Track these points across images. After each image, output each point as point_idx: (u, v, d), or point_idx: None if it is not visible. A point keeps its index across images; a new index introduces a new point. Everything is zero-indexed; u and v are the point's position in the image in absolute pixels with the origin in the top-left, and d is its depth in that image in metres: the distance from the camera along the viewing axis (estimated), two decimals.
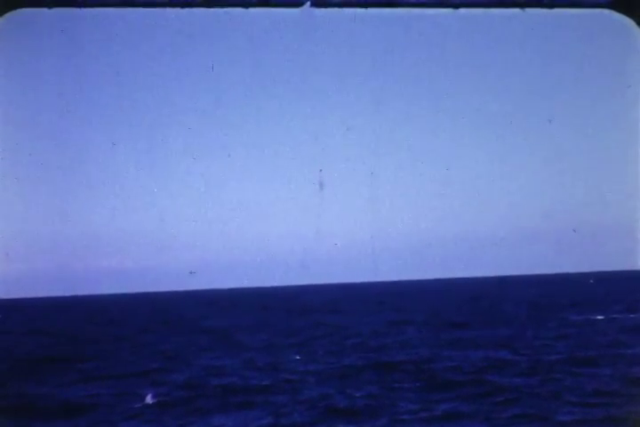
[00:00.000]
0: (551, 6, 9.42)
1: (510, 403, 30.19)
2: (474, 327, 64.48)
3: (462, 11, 9.43)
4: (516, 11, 9.49)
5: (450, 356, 44.48)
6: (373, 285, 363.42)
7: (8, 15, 8.78)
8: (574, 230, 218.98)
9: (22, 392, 36.93)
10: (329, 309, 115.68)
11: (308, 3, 9.40)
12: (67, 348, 61.13)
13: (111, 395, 35.47)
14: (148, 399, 33.40)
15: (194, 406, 32.10)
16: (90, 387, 38.24)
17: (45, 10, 9.14)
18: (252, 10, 9.42)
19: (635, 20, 9.07)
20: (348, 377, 38.07)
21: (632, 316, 70.43)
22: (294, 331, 69.18)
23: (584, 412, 28.31)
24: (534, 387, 33.30)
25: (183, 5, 9.34)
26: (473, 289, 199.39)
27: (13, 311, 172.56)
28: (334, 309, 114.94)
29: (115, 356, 53.22)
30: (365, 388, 34.52)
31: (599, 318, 69.67)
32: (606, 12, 9.36)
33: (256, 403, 32.00)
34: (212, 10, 9.46)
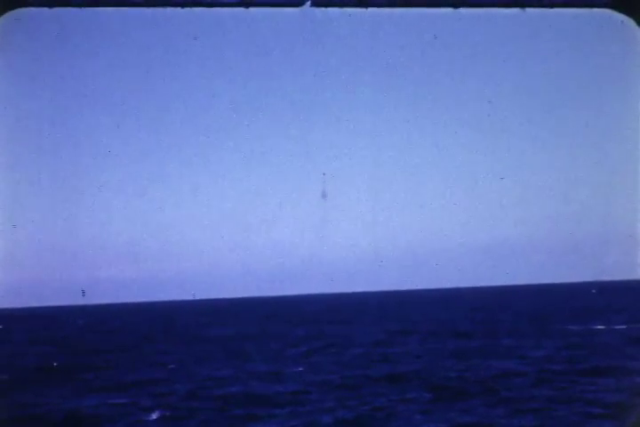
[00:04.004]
0: (551, 6, 9.46)
1: (515, 413, 30.03)
2: (477, 337, 64.27)
3: (462, 10, 9.47)
4: (516, 10, 9.54)
5: (454, 366, 44.29)
6: (376, 294, 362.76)
7: (8, 15, 8.82)
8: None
9: (24, 402, 36.78)
10: (332, 318, 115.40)
11: (308, 3, 9.44)
12: (69, 357, 60.98)
13: (114, 406, 35.30)
14: (151, 411, 33.24)
15: (197, 418, 31.90)
16: (92, 397, 38.05)
17: (45, 9, 9.19)
18: (252, 10, 9.48)
19: (635, 20, 9.09)
20: (352, 388, 37.87)
21: (634, 326, 70.12)
22: (297, 341, 69.00)
23: (589, 422, 28.17)
24: (539, 397, 33.13)
25: (183, 5, 9.40)
26: (475, 299, 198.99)
27: (15, 321, 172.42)
28: (337, 318, 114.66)
29: (117, 366, 53.08)
30: (370, 398, 34.33)
31: (601, 328, 69.44)
32: (606, 11, 9.41)
33: (259, 415, 31.79)
34: (212, 10, 9.52)
